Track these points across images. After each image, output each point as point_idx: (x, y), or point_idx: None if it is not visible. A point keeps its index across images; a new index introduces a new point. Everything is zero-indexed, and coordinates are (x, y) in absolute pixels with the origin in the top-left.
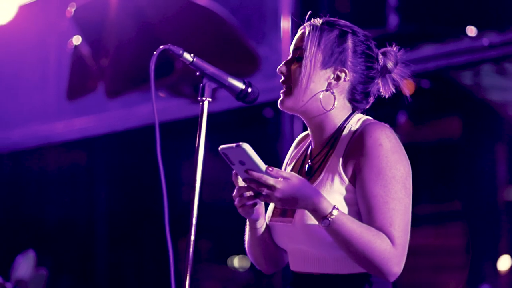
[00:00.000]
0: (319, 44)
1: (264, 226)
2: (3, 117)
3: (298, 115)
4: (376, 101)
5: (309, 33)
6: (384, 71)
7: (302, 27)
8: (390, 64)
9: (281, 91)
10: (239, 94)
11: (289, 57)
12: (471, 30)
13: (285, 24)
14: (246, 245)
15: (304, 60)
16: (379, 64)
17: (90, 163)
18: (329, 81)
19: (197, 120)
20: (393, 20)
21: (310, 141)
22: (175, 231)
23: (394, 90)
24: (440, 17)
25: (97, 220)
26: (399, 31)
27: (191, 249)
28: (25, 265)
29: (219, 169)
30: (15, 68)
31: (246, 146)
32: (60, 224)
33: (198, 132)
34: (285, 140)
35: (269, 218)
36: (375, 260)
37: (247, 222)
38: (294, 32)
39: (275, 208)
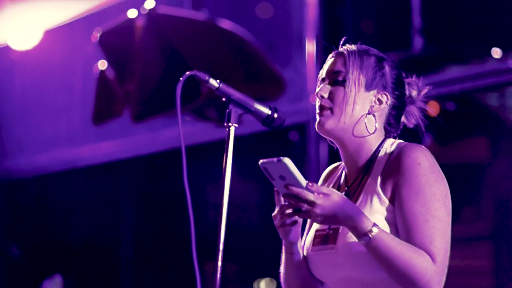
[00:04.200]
0: (361, 68)
1: (301, 252)
2: (29, 142)
3: (334, 140)
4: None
5: (349, 57)
6: (409, 101)
7: (334, 52)
8: (414, 93)
9: (318, 113)
10: (265, 120)
11: (326, 81)
12: (496, 52)
13: (310, 47)
14: (281, 277)
15: (349, 82)
16: (408, 91)
17: (116, 187)
18: (372, 104)
19: (222, 143)
20: (418, 42)
21: (342, 172)
22: (200, 255)
23: (416, 121)
24: (465, 39)
25: (123, 244)
26: (424, 53)
27: (218, 275)
28: None
29: (245, 191)
30: (40, 92)
31: (287, 161)
32: (87, 248)
33: (224, 158)
34: (310, 163)
35: (309, 249)
36: (416, 278)
37: (283, 249)
38: (319, 55)
39: (315, 238)
